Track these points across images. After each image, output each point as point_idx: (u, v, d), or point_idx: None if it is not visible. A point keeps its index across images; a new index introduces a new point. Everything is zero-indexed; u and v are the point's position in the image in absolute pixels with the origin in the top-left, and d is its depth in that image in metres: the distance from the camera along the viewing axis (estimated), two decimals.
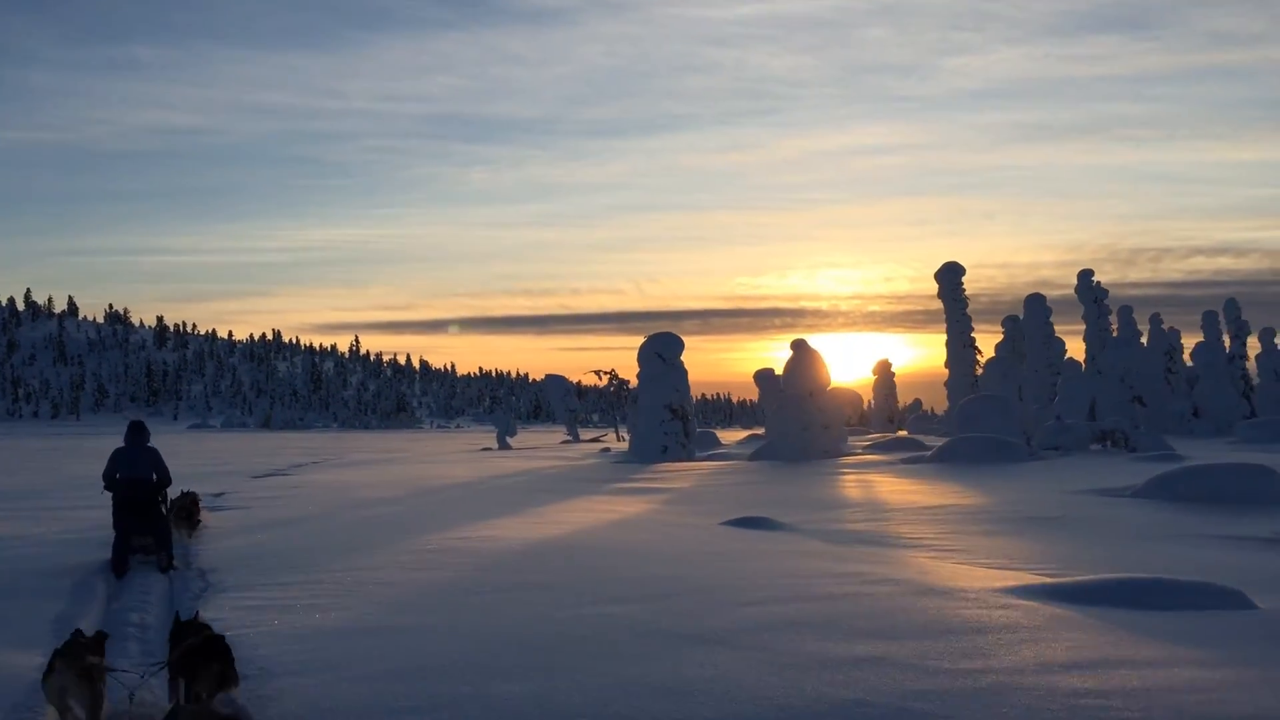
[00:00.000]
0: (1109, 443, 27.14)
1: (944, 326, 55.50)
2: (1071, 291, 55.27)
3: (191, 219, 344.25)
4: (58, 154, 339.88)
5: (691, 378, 38.29)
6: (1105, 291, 53.11)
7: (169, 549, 10.62)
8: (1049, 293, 51.00)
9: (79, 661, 4.89)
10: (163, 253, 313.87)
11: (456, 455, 42.57)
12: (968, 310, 55.91)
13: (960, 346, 55.51)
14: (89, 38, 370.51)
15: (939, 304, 55.49)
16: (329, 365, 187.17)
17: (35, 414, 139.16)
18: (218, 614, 7.58)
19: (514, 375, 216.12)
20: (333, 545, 11.78)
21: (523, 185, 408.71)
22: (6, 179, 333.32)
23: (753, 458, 30.84)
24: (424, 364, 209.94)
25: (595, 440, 65.94)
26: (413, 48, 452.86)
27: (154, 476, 10.92)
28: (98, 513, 15.64)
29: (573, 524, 13.69)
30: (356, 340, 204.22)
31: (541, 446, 54.49)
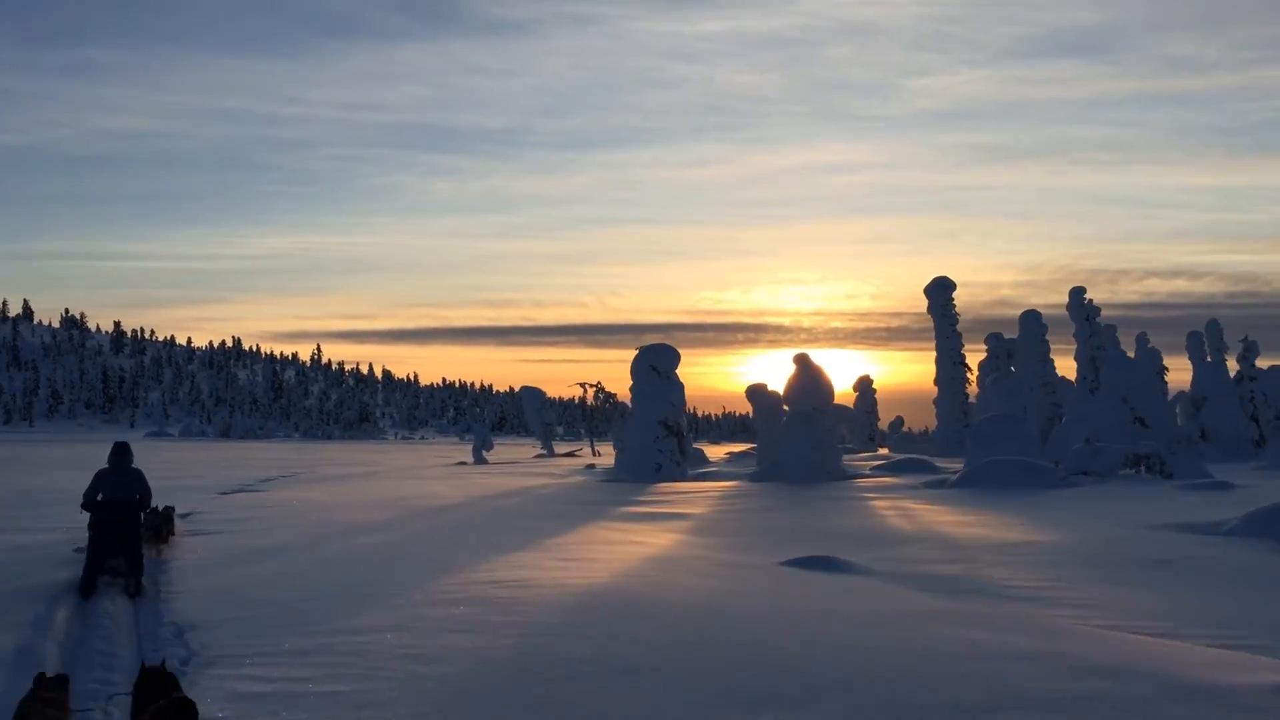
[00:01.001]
0: (1142, 468, 25.65)
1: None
2: (1029, 310, 54.01)
3: (150, 224, 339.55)
4: (14, 157, 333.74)
5: None
6: (1098, 310, 51.89)
7: (139, 573, 10.31)
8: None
9: (48, 710, 4.88)
10: (120, 258, 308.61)
11: (434, 470, 40.40)
12: (957, 327, 54.73)
13: (951, 364, 54.20)
14: (46, 40, 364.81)
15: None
16: (290, 374, 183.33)
17: None
18: (211, 706, 5.62)
19: (478, 386, 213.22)
20: (334, 588, 9.81)
21: (486, 196, 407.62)
22: None
23: (755, 478, 29.06)
24: (387, 373, 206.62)
25: (570, 455, 63.96)
26: (377, 56, 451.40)
27: (138, 497, 10.85)
28: (49, 536, 13.59)
29: (608, 562, 11.77)
30: (318, 349, 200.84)
31: (517, 461, 52.40)
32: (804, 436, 27.38)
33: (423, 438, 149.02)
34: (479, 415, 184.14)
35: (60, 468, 36.49)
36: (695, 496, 23.39)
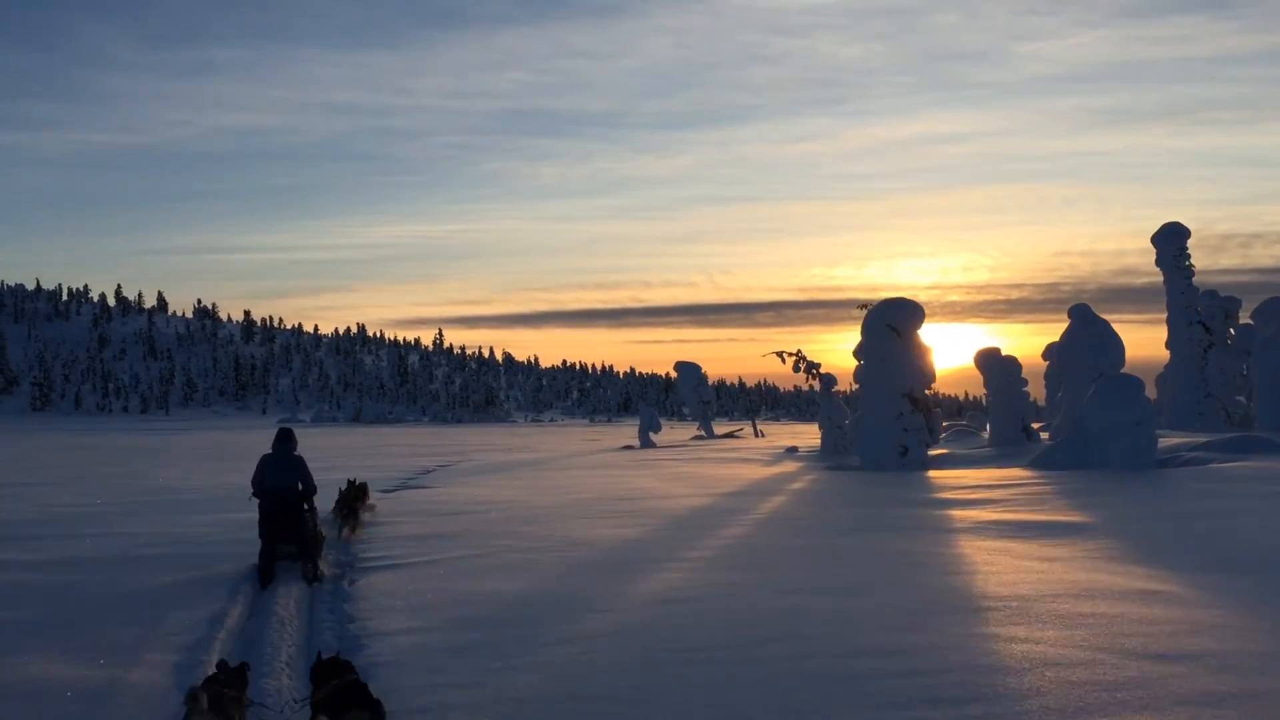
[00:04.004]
0: None
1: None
2: (1158, 278, 46.38)
3: (273, 217, 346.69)
4: (142, 156, 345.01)
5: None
6: None
7: (314, 560, 10.08)
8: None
9: (220, 701, 4.79)
10: (246, 250, 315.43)
11: (608, 457, 34.98)
12: (1194, 281, 46.94)
13: (1185, 325, 46.47)
14: (168, 42, 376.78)
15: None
16: (414, 359, 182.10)
17: (125, 409, 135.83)
18: None
19: (598, 368, 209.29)
20: None
21: (593, 179, 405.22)
22: (95, 180, 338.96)
23: (1044, 463, 22.60)
24: (508, 356, 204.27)
25: (730, 436, 58.23)
26: (481, 44, 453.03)
27: (300, 485, 10.48)
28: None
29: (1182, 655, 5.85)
30: (440, 334, 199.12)
31: (684, 444, 46.77)
32: (1123, 408, 20.84)
33: (551, 420, 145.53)
34: (599, 397, 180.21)
35: (210, 459, 32.46)
36: (1013, 491, 17.28)
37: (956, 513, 14.58)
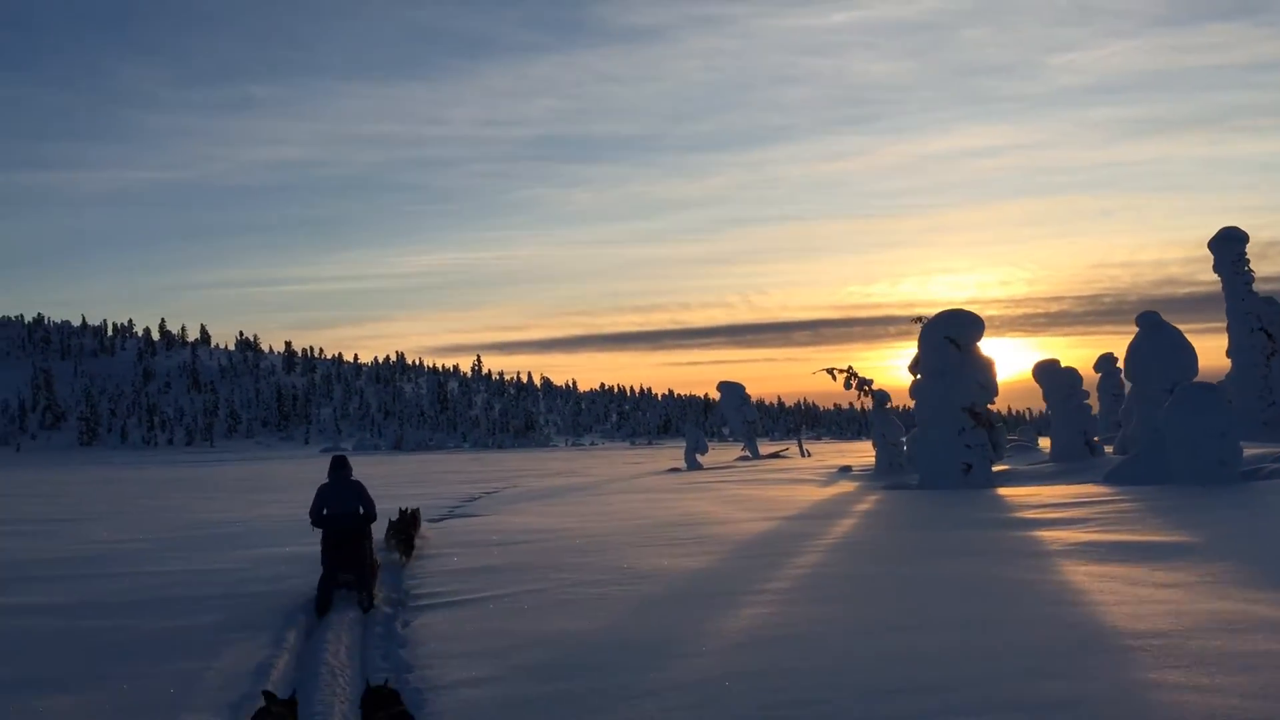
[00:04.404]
0: None
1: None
2: (1201, 288, 45.24)
3: (312, 248, 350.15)
4: (183, 192, 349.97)
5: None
6: None
7: (370, 589, 10.02)
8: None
9: None
10: (286, 282, 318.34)
11: (653, 479, 34.11)
12: (1254, 286, 45.36)
13: (1247, 332, 44.88)
14: (206, 80, 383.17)
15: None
16: (453, 385, 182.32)
17: (170, 441, 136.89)
18: None
19: (637, 390, 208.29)
20: None
21: (626, 203, 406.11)
22: (138, 217, 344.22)
23: (1117, 478, 21.47)
24: (546, 381, 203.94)
25: (776, 455, 57.13)
26: (512, 72, 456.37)
27: (360, 510, 10.35)
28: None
29: None
30: (478, 360, 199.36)
31: (731, 465, 45.78)
32: (1206, 418, 19.71)
33: (592, 443, 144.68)
34: (643, 419, 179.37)
35: (252, 490, 31.99)
36: (1095, 509, 16.23)
37: (1043, 534, 13.60)
